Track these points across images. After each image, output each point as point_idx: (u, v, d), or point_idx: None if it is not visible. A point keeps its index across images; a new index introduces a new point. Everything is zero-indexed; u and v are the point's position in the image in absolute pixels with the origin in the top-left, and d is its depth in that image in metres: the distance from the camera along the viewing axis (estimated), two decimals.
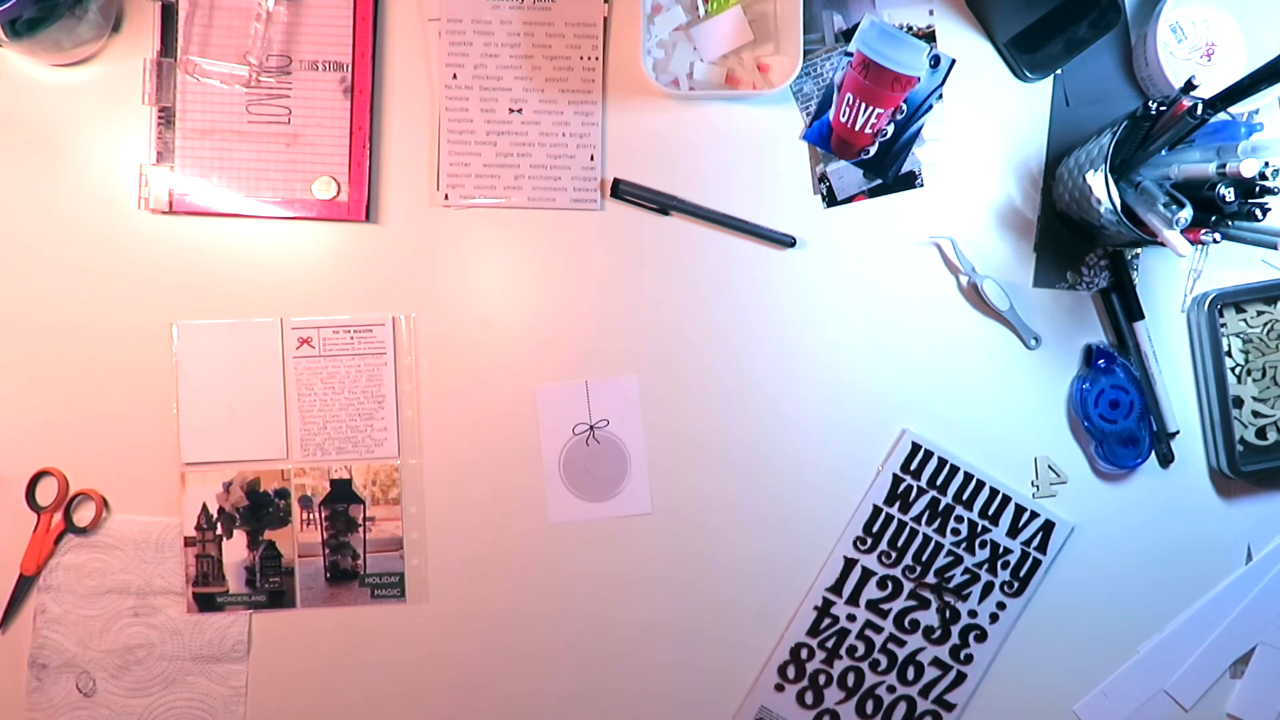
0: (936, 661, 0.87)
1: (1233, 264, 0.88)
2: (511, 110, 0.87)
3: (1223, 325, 0.88)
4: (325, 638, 0.87)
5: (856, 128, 0.87)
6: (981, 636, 0.87)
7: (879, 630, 0.87)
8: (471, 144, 0.86)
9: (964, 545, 0.87)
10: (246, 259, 0.86)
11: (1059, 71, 0.88)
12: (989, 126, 0.89)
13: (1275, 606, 0.88)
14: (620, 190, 0.87)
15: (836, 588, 0.87)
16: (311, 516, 0.86)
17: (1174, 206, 0.74)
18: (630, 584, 0.87)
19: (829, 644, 0.87)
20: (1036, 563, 0.87)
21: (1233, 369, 0.88)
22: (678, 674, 0.88)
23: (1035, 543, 0.87)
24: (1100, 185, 0.78)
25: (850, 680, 0.87)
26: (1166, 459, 0.89)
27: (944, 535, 0.87)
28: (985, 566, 0.87)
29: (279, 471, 0.86)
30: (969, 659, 0.87)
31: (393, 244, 0.87)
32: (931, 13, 0.88)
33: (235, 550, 0.86)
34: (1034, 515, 0.87)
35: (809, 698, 0.87)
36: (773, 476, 0.88)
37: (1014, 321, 0.88)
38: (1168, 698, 0.89)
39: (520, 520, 0.87)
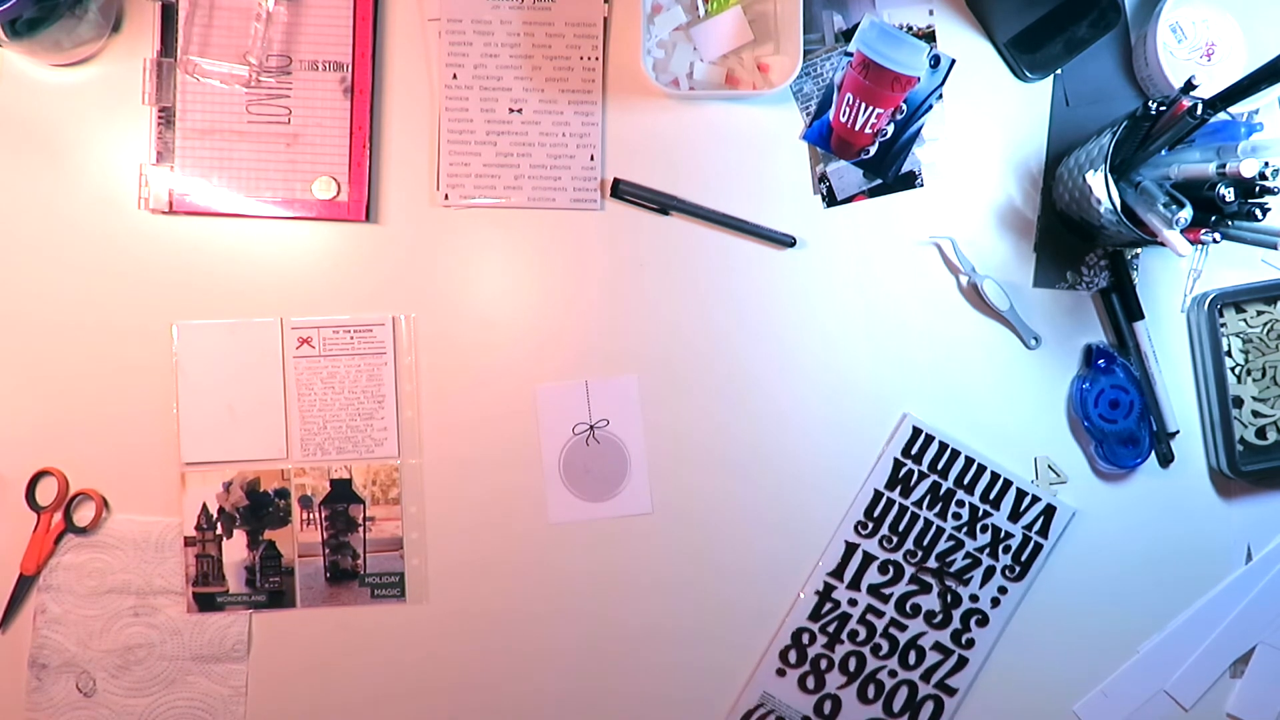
0: (938, 646, 0.87)
1: (1233, 264, 0.88)
2: (511, 110, 0.87)
3: (1223, 325, 0.88)
4: (325, 638, 0.87)
5: (856, 128, 0.87)
6: (983, 621, 0.87)
7: (880, 615, 0.87)
8: (471, 144, 0.86)
9: (965, 530, 0.87)
10: (246, 259, 0.86)
11: (1059, 71, 0.88)
12: (989, 126, 0.89)
13: (1275, 606, 0.88)
14: (620, 190, 0.87)
15: (838, 572, 0.87)
16: (311, 516, 0.86)
17: (1174, 206, 0.74)
18: (630, 584, 0.87)
19: (830, 629, 0.87)
20: (1038, 547, 0.87)
21: (1233, 369, 0.88)
22: (678, 674, 0.88)
23: (1036, 527, 0.87)
24: (1100, 185, 0.78)
25: (852, 665, 0.87)
26: (1166, 459, 0.89)
27: (945, 520, 0.87)
28: (986, 551, 0.87)
29: (279, 471, 0.86)
30: (970, 644, 0.87)
31: (393, 244, 0.87)
32: (931, 13, 0.88)
33: (235, 550, 0.86)
34: (1035, 500, 0.87)
35: (810, 682, 0.87)
36: (773, 476, 0.88)
37: (1014, 321, 0.88)
38: (1168, 698, 0.89)
39: (520, 520, 0.87)
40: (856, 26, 0.87)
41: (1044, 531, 0.87)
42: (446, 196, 0.86)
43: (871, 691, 0.87)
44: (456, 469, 0.87)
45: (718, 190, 0.88)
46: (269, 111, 0.86)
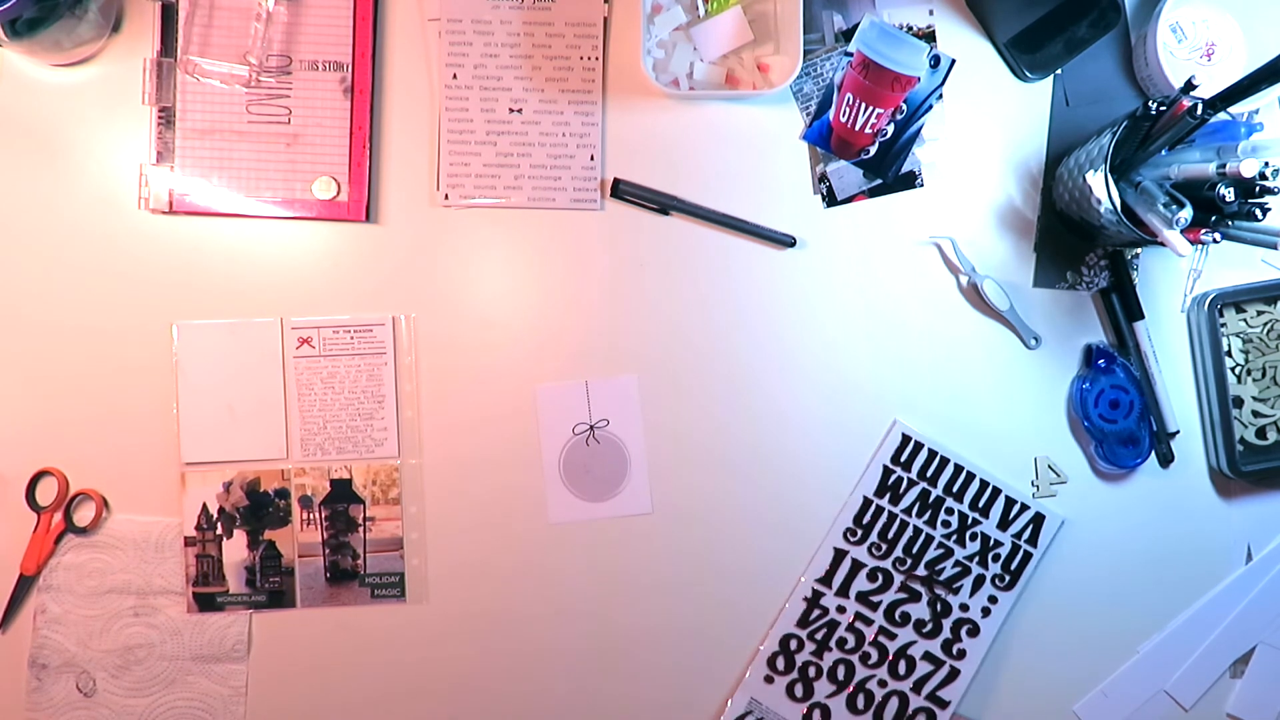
0: (928, 656, 0.87)
1: (1233, 264, 0.88)
2: (511, 110, 0.87)
3: (1223, 325, 0.88)
4: (325, 638, 0.87)
5: (856, 128, 0.87)
6: (974, 631, 0.87)
7: (869, 623, 0.87)
8: (471, 144, 0.86)
9: (954, 537, 0.87)
10: (246, 259, 0.86)
11: (1059, 71, 0.88)
12: (989, 126, 0.89)
13: (1275, 606, 0.88)
14: (620, 190, 0.87)
15: (826, 579, 0.87)
16: (311, 516, 0.86)
17: (1174, 206, 0.74)
18: (630, 584, 0.87)
19: (819, 635, 0.87)
20: (1027, 556, 0.87)
21: (1233, 369, 0.88)
22: (678, 674, 0.88)
23: (1026, 535, 0.87)
24: (1100, 185, 0.78)
25: (840, 673, 0.87)
26: (1166, 459, 0.89)
27: (934, 527, 0.87)
28: (976, 559, 0.87)
29: (279, 471, 0.86)
30: (961, 654, 0.87)
31: (393, 244, 0.87)
32: (931, 13, 0.88)
33: (235, 550, 0.86)
34: (1024, 508, 0.87)
35: (799, 690, 0.87)
36: (773, 476, 0.88)
37: (1014, 321, 0.88)
38: (1168, 698, 0.89)
39: (520, 520, 0.87)
40: (856, 26, 0.87)
41: (1033, 540, 0.87)
42: (446, 196, 0.86)
43: (861, 702, 0.87)
44: (456, 469, 0.87)
45: (718, 190, 0.88)
46: (269, 111, 0.86)
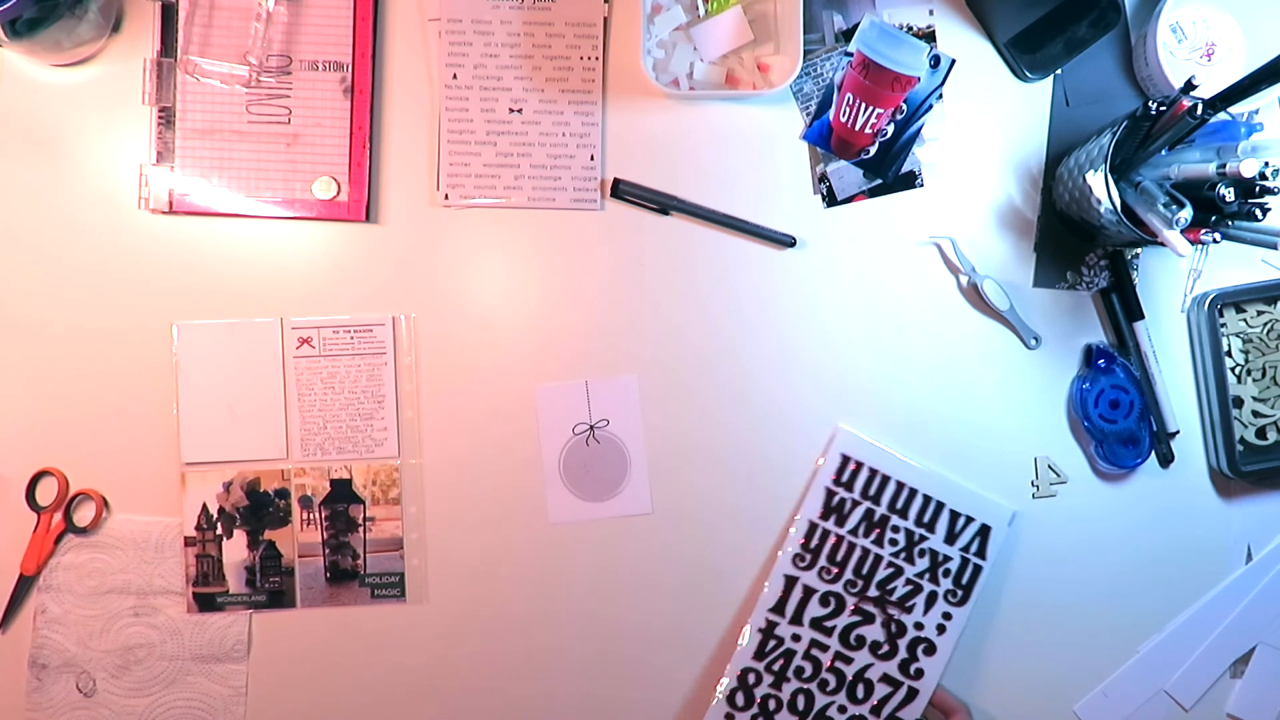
0: (886, 678, 0.85)
1: (1233, 264, 0.89)
2: (511, 110, 0.87)
3: (1223, 325, 0.88)
4: (325, 638, 0.87)
5: (856, 128, 0.87)
6: (930, 649, 0.85)
7: (825, 649, 0.85)
8: (471, 144, 0.86)
9: (903, 555, 0.86)
10: (246, 259, 0.86)
11: (1059, 71, 0.88)
12: (989, 126, 0.89)
13: (1275, 606, 0.88)
14: (620, 190, 0.87)
15: (779, 608, 0.85)
16: (311, 516, 0.86)
17: (1174, 206, 0.74)
18: (630, 584, 0.87)
19: (775, 667, 0.85)
20: (978, 569, 0.86)
21: (1233, 369, 0.88)
22: (678, 674, 0.87)
23: (974, 549, 0.86)
24: (1100, 185, 0.78)
25: (800, 703, 0.85)
26: (1166, 459, 0.89)
27: (882, 546, 0.86)
28: (927, 576, 0.86)
29: (279, 471, 0.86)
30: (919, 674, 0.85)
31: (393, 244, 0.87)
32: (931, 13, 0.88)
33: (235, 550, 0.86)
34: (969, 520, 0.86)
35: None
36: (773, 476, 0.88)
37: (1014, 321, 0.88)
38: (1168, 698, 0.89)
39: (520, 520, 0.87)
40: (856, 26, 0.87)
41: (981, 553, 0.86)
42: (446, 196, 0.86)
43: None
44: (456, 469, 0.87)
45: (718, 190, 0.88)
46: (269, 111, 0.86)
